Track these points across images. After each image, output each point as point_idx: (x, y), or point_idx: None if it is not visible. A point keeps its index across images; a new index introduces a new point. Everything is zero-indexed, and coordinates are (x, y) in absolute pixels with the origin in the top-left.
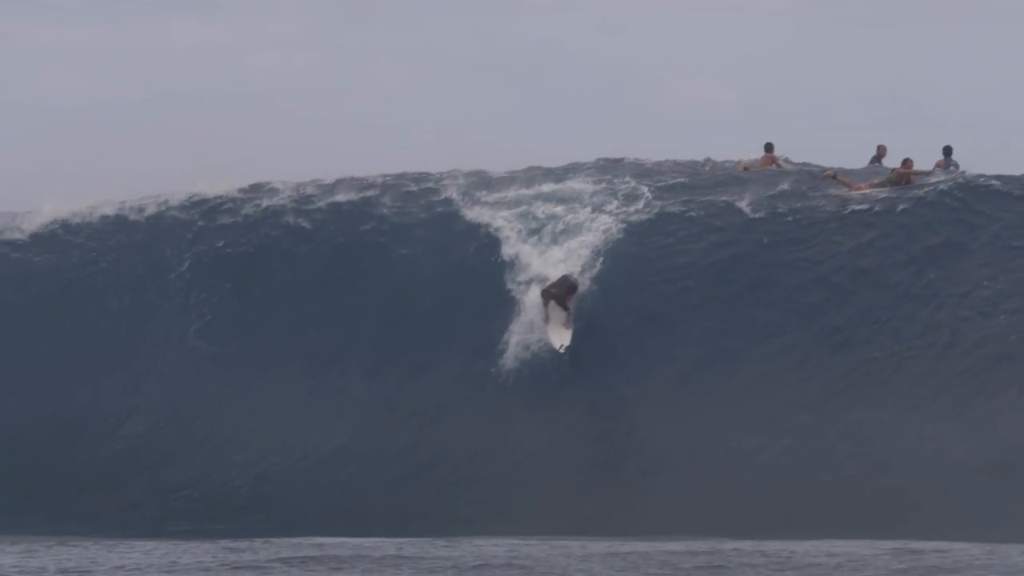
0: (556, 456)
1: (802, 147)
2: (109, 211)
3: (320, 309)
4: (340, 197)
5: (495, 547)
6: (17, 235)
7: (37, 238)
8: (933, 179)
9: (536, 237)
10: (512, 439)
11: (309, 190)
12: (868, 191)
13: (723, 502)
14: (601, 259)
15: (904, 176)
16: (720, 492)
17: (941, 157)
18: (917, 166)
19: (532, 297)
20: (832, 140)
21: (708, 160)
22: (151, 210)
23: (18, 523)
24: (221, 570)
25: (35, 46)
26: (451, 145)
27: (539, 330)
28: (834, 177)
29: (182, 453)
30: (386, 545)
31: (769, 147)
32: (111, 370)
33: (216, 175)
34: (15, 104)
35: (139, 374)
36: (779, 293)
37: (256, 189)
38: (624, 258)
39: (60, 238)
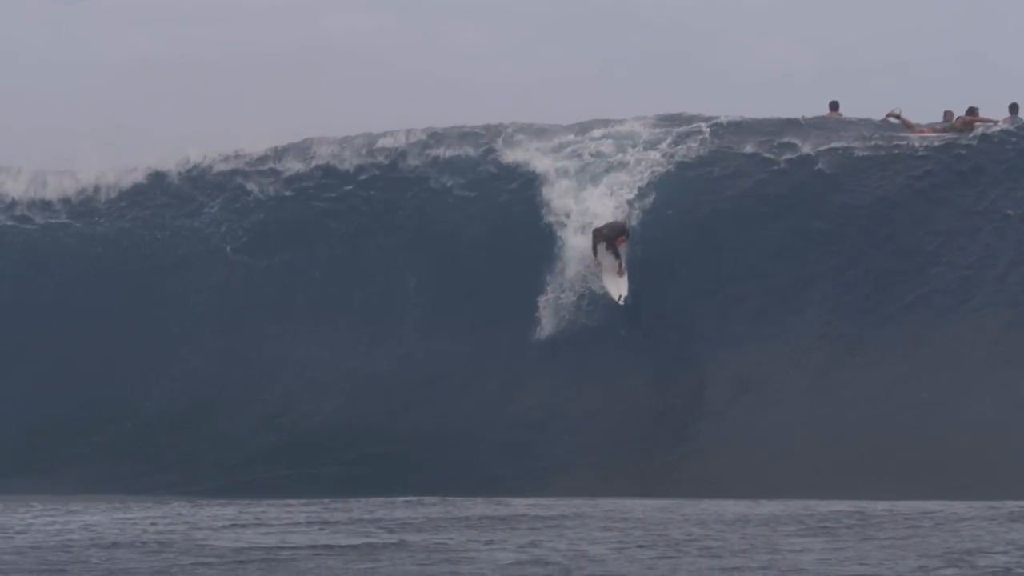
0: (628, 401)
1: (870, 109)
2: (152, 166)
3: (364, 241)
4: (385, 142)
5: (592, 508)
6: (51, 193)
7: (69, 200)
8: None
9: (580, 176)
10: (578, 381)
11: (357, 141)
12: (930, 134)
13: (809, 449)
14: (654, 190)
15: (968, 124)
16: (804, 437)
17: (1007, 115)
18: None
19: (578, 234)
20: (901, 103)
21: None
22: (193, 161)
23: (109, 478)
24: (318, 534)
25: (111, 7)
26: (521, 105)
27: (589, 272)
28: (898, 117)
29: (261, 388)
30: (479, 505)
31: (834, 105)
32: (170, 316)
33: (266, 130)
34: (88, 64)
35: (196, 316)
36: (838, 212)
37: (307, 142)
38: (675, 188)
39: (92, 199)
